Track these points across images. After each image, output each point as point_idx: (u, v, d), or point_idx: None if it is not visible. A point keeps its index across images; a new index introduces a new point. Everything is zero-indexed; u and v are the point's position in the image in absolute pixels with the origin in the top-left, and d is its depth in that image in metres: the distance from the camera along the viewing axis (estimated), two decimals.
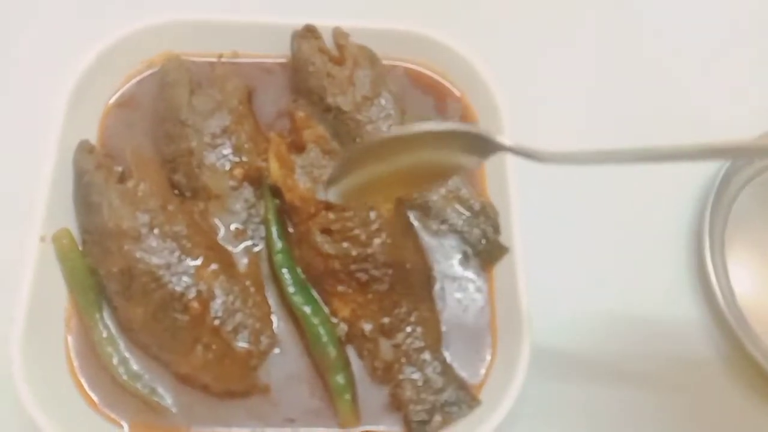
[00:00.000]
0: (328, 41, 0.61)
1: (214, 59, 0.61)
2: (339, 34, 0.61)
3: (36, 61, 0.67)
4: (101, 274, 0.53)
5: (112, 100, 0.60)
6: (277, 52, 0.62)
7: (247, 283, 0.54)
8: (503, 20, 0.73)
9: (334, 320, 0.54)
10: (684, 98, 0.70)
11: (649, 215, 0.65)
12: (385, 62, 0.62)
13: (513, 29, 0.72)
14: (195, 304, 0.51)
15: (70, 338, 0.53)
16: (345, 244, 0.54)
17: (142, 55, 0.60)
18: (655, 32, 0.74)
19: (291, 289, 0.54)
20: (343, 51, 0.60)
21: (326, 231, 0.54)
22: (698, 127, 0.68)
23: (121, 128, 0.59)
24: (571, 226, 0.63)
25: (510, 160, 0.57)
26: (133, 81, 0.61)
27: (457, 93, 0.62)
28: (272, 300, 0.55)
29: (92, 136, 0.58)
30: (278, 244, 0.55)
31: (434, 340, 0.54)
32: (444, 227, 0.58)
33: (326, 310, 0.54)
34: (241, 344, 0.52)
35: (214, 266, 0.52)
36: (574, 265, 0.60)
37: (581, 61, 0.72)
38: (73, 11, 0.70)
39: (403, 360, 0.53)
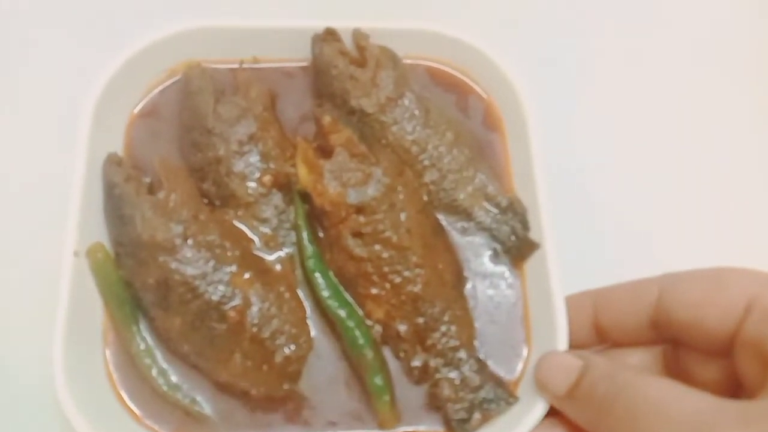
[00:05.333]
0: (348, 43, 0.61)
1: (234, 65, 0.61)
2: (359, 36, 0.60)
3: (55, 76, 0.67)
4: (136, 286, 0.53)
5: (135, 111, 0.60)
6: (297, 56, 0.62)
7: (281, 288, 0.54)
8: (519, 16, 0.73)
9: (369, 322, 0.54)
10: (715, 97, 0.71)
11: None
12: (405, 61, 0.62)
13: (531, 25, 0.72)
14: (232, 313, 0.51)
15: (108, 352, 0.53)
16: (377, 247, 0.54)
17: (164, 64, 0.60)
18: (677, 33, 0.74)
19: (325, 293, 0.54)
20: (364, 52, 0.60)
21: (357, 234, 0.54)
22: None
23: (146, 139, 0.59)
24: (604, 218, 0.63)
25: (535, 153, 0.57)
26: (156, 90, 0.60)
27: (480, 90, 0.62)
28: (306, 304, 0.55)
29: (118, 148, 0.57)
30: (309, 249, 0.55)
31: (468, 338, 0.55)
32: (472, 225, 0.58)
33: (360, 312, 0.55)
34: (279, 350, 0.52)
35: (248, 274, 0.53)
36: (608, 259, 0.61)
37: (605, 56, 0.72)
38: (82, 25, 0.70)
39: (440, 359, 0.54)
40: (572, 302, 0.52)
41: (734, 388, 0.43)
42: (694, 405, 0.40)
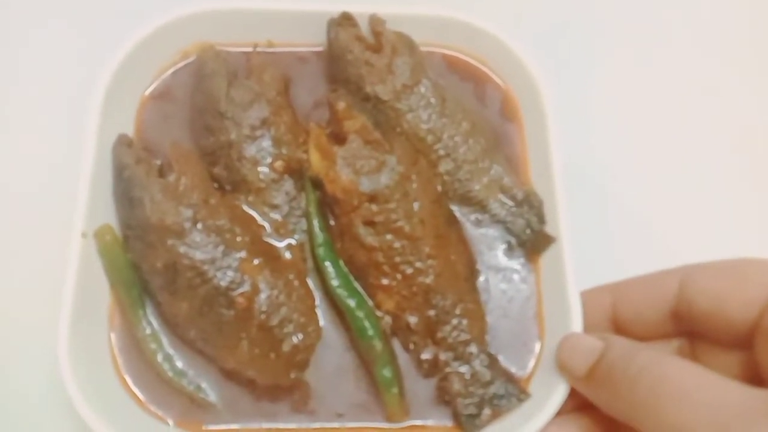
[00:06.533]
0: (364, 29, 0.60)
1: (248, 49, 0.60)
2: (376, 21, 0.59)
3: (68, 57, 0.66)
4: (144, 269, 0.52)
5: (147, 93, 0.59)
6: (312, 40, 0.60)
7: (291, 276, 0.53)
8: (537, 6, 0.72)
9: (379, 313, 0.53)
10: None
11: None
12: (422, 49, 0.60)
13: (547, 17, 0.71)
14: (240, 299, 0.50)
15: (113, 335, 0.52)
16: (388, 236, 0.53)
17: (177, 46, 0.59)
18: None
19: (334, 282, 0.53)
20: (380, 38, 0.59)
21: (369, 223, 0.53)
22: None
23: (158, 121, 0.58)
24: (621, 211, 0.62)
25: (553, 144, 0.55)
26: (168, 72, 0.59)
27: (497, 79, 0.61)
28: (316, 293, 0.54)
29: (129, 130, 0.57)
30: (320, 237, 0.54)
31: (480, 333, 0.54)
32: (487, 218, 0.57)
33: (370, 302, 0.53)
34: (287, 338, 0.51)
35: (257, 260, 0.52)
36: (626, 254, 0.59)
37: (623, 48, 0.70)
38: (102, 4, 0.69)
39: (450, 353, 0.53)
40: (589, 297, 0.51)
41: (751, 383, 0.42)
42: (718, 390, 0.39)
